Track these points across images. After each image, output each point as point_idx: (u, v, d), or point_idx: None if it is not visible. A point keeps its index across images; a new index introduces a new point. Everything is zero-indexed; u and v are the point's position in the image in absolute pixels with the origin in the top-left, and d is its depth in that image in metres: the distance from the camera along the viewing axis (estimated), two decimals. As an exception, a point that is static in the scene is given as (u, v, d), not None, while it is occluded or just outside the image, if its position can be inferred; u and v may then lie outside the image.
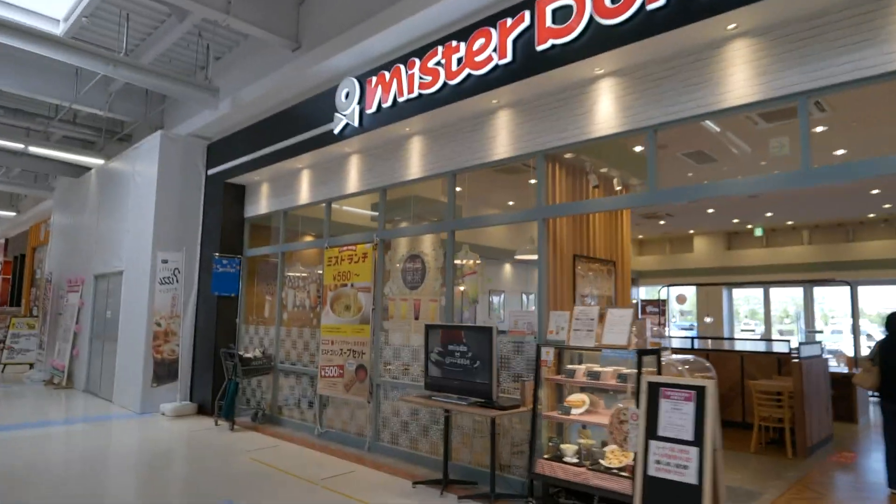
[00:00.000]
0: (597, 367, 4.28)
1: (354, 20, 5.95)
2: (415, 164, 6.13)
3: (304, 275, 7.77)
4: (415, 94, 5.56)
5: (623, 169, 5.95)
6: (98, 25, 7.66)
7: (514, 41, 4.74)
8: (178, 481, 5.41)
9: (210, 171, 8.89)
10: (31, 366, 13.31)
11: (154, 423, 7.67)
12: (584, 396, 4.38)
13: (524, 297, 12.92)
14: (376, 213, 6.72)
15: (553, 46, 4.50)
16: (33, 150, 10.58)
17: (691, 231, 15.32)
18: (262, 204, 8.40)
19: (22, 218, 17.62)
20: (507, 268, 12.34)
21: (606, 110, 4.56)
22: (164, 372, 8.16)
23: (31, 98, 10.26)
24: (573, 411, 4.30)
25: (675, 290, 15.97)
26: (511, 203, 7.97)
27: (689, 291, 16.13)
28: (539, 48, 4.58)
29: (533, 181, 5.07)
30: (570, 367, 4.48)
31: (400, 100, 5.73)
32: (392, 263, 6.44)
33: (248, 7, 6.42)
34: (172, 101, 9.82)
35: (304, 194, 7.59)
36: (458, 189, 5.78)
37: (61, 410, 8.67)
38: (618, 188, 6.01)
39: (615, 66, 4.47)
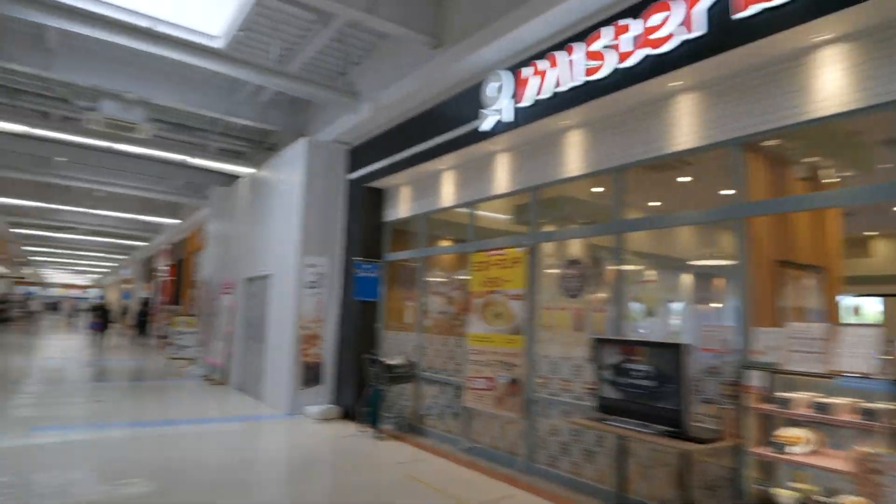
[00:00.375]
0: (826, 398, 3.47)
1: (500, 11, 5.54)
2: (573, 160, 5.59)
3: (446, 280, 7.50)
4: (578, 83, 5.03)
5: (837, 157, 4.99)
6: (251, 38, 7.94)
7: (708, 11, 4.05)
8: (337, 492, 5.29)
9: (351, 176, 8.94)
10: (191, 361, 14.41)
11: (302, 426, 7.77)
12: (803, 432, 3.59)
13: (671, 306, 11.79)
14: (510, 216, 6.29)
15: (758, 13, 3.76)
16: (193, 161, 11.39)
17: (869, 232, 13.24)
18: (401, 208, 8.28)
19: (183, 225, 19.31)
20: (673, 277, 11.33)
21: (831, 84, 3.74)
22: (310, 375, 8.28)
23: (191, 112, 11.05)
24: (792, 449, 3.53)
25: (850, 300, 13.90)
26: (657, 203, 7.15)
27: (866, 301, 13.98)
28: (738, 16, 3.86)
29: (684, 179, 4.33)
30: (784, 395, 3.71)
31: (559, 90, 5.23)
32: (547, 269, 5.94)
33: (389, 5, 6.26)
34: (315, 108, 10.07)
35: (447, 197, 7.33)
36: (599, 190, 5.15)
37: (217, 407, 9.12)
38: (829, 180, 5.05)
39: (843, 30, 3.65)
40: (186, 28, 7.65)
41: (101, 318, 21.23)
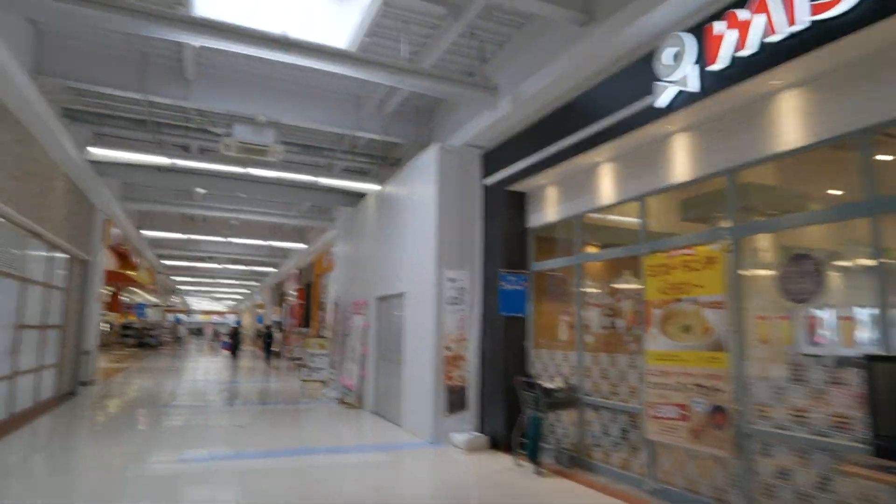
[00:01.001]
0: None
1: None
2: (789, 130, 4.43)
3: (609, 290, 6.49)
4: (800, 26, 3.92)
5: None
6: (377, 44, 7.54)
7: None
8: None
9: (487, 181, 8.23)
10: (324, 383, 14.37)
11: (449, 458, 7.05)
12: None
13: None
14: (692, 210, 5.16)
15: None
16: (321, 181, 11.31)
17: None
18: (548, 211, 7.40)
19: (310, 249, 19.76)
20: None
21: None
22: (454, 400, 7.57)
23: (318, 131, 11.01)
24: None
25: None
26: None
27: None
28: None
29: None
30: None
31: (770, 39, 4.13)
32: (755, 269, 4.78)
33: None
34: (442, 115, 9.55)
35: (606, 193, 6.35)
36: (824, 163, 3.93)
37: (355, 434, 8.66)
38: None
39: None
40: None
41: (233, 340, 22.47)
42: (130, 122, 9.84)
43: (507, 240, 7.72)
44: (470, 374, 7.83)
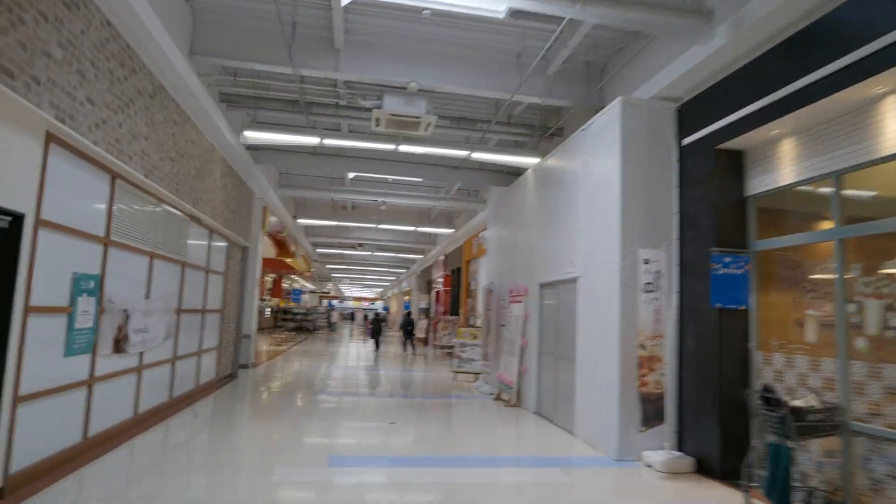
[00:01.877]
0: None
1: None
2: None
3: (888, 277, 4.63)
4: None
5: None
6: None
7: None
8: None
9: (687, 140, 6.59)
10: (476, 376, 13.47)
11: (646, 483, 5.62)
12: None
13: None
14: None
15: None
16: (475, 155, 10.28)
17: None
18: (780, 173, 5.62)
19: (457, 234, 19.03)
20: None
21: None
22: (650, 411, 6.11)
23: (469, 99, 9.99)
24: None
25: None
26: None
27: None
28: None
29: None
30: None
31: None
32: None
33: None
34: (617, 70, 8.01)
35: (890, 139, 4.50)
36: None
37: (519, 441, 7.52)
38: None
39: None
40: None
41: (374, 327, 22.55)
42: (283, 104, 9.54)
43: (718, 211, 6.04)
44: (667, 379, 6.31)
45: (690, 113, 6.62)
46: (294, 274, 32.63)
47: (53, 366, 4.93)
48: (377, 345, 22.03)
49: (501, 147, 11.10)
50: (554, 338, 8.83)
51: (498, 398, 10.84)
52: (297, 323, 36.74)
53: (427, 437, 7.28)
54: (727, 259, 5.79)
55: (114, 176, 5.86)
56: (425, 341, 27.56)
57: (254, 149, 11.66)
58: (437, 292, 25.83)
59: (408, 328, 21.81)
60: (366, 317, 44.81)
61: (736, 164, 6.10)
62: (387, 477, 5.47)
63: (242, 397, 9.83)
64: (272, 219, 16.38)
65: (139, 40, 5.92)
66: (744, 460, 5.18)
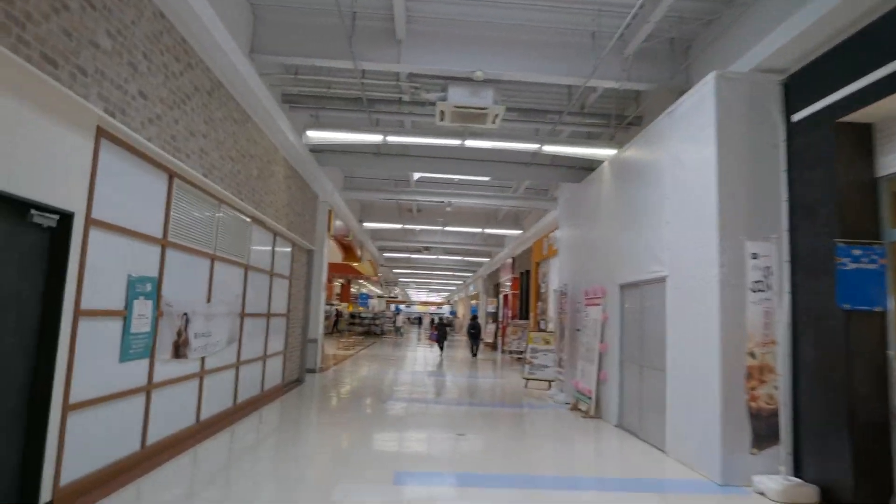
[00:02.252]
0: None
1: None
2: None
3: None
4: None
5: None
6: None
7: None
8: None
9: (798, 116, 5.70)
10: (550, 384, 12.73)
11: (764, 516, 4.80)
12: None
13: None
14: None
15: None
16: (546, 149, 9.61)
17: None
18: (923, 145, 4.69)
19: (525, 235, 18.32)
20: None
21: None
22: (762, 429, 5.26)
23: (539, 88, 9.35)
24: None
25: None
26: None
27: None
28: None
29: None
30: None
31: None
32: None
33: None
34: (707, 44, 7.17)
35: None
36: None
37: (598, 457, 6.77)
38: None
39: None
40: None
41: (439, 332, 22.27)
42: (345, 102, 9.23)
43: (843, 196, 5.13)
44: (780, 392, 5.43)
45: (801, 84, 5.72)
46: (361, 278, 32.80)
47: (108, 372, 4.70)
48: (441, 349, 22.10)
49: (574, 139, 10.35)
50: (638, 343, 8.02)
51: (574, 408, 10.08)
52: (366, 327, 37.13)
53: (499, 452, 6.67)
54: (857, 252, 4.88)
55: (171, 175, 5.64)
56: (493, 346, 26.92)
57: (317, 150, 11.48)
58: (506, 296, 25.15)
59: (474, 332, 21.61)
60: (432, 321, 44.64)
61: (864, 140, 5.17)
62: (456, 498, 4.92)
63: (309, 403, 9.57)
64: (338, 222, 16.26)
65: (195, 34, 5.70)
66: (893, 495, 4.28)
